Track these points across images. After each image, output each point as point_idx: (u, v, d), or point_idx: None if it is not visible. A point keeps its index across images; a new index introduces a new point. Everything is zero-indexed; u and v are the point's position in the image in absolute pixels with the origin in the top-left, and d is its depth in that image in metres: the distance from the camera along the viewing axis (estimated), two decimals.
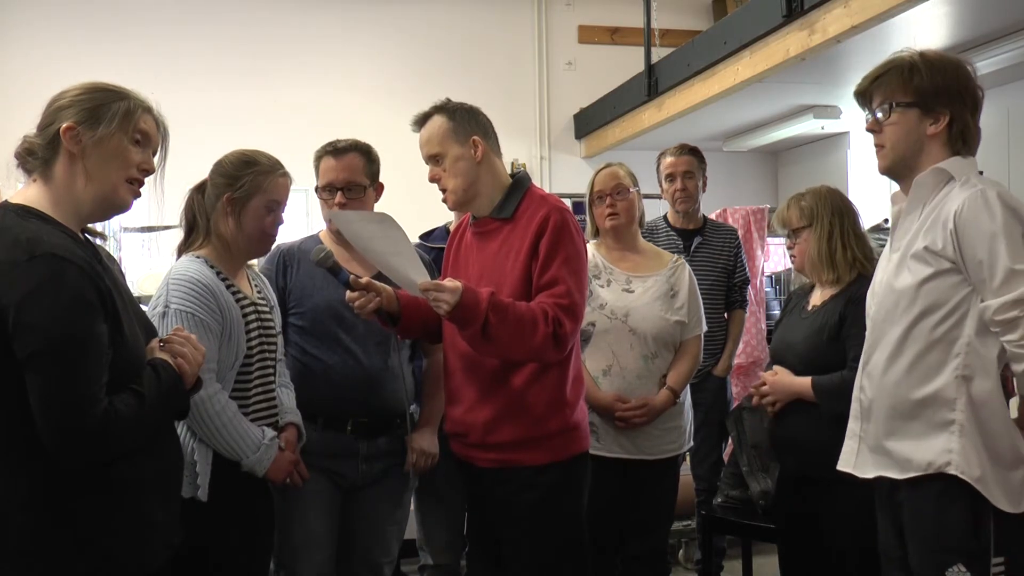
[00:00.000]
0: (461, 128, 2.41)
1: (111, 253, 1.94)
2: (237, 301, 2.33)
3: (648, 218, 3.49)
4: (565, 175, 6.52)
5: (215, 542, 2.21)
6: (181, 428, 2.19)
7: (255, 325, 2.36)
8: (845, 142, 6.22)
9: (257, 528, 2.37)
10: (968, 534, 1.99)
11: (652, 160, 4.11)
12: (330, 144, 2.75)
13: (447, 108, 2.45)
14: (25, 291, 1.58)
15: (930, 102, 2.07)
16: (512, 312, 2.23)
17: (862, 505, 2.32)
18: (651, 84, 5.34)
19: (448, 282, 2.22)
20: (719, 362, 3.93)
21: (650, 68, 5.38)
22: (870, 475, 2.18)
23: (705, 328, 3.21)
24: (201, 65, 5.98)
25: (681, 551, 4.50)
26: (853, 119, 5.45)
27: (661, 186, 4.03)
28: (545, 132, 6.69)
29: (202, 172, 2.44)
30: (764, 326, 4.74)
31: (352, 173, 2.71)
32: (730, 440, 3.38)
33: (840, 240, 2.75)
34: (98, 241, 1.86)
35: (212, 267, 2.33)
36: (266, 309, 2.44)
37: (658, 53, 5.47)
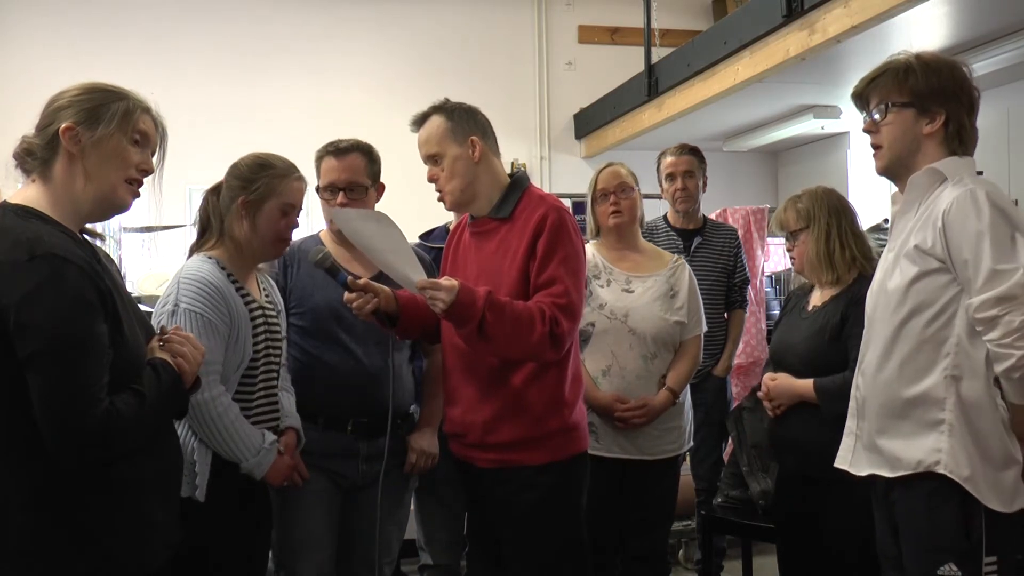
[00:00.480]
0: (459, 128, 2.41)
1: (109, 253, 1.94)
2: (246, 304, 2.33)
3: (648, 218, 3.50)
4: (565, 175, 6.53)
5: (214, 542, 2.21)
6: (182, 428, 2.20)
7: (262, 329, 2.36)
8: (845, 142, 6.23)
9: (255, 528, 2.37)
10: (959, 533, 1.99)
11: (652, 160, 4.11)
12: (332, 144, 2.75)
13: (445, 108, 2.45)
14: (25, 291, 1.58)
15: (926, 102, 2.08)
16: (509, 311, 2.23)
17: (862, 505, 2.32)
18: (651, 84, 5.34)
19: (445, 280, 2.23)
20: (719, 362, 3.93)
21: (650, 68, 5.38)
22: (864, 473, 2.19)
23: (705, 328, 3.21)
24: (201, 65, 5.98)
25: (681, 551, 4.50)
26: (853, 119, 5.45)
27: (661, 186, 4.03)
28: (545, 132, 6.69)
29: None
30: (764, 326, 4.74)
31: (354, 173, 2.71)
32: (730, 440, 3.38)
33: (838, 240, 2.75)
34: (97, 241, 1.86)
35: (223, 268, 2.34)
36: (273, 313, 2.44)
37: (658, 53, 5.47)
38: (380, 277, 2.53)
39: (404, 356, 2.80)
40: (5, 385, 1.60)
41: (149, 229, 5.03)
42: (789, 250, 2.91)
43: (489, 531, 2.48)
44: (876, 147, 2.17)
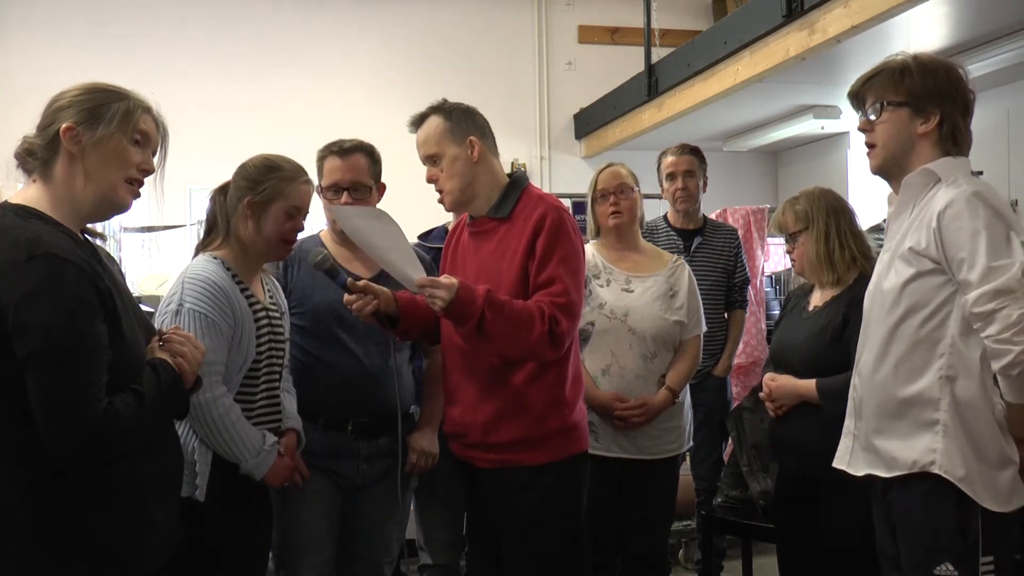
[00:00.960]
0: (458, 128, 2.41)
1: (110, 253, 1.94)
2: (250, 305, 2.34)
3: (648, 218, 3.50)
4: (565, 175, 6.52)
5: (214, 542, 2.21)
6: (182, 428, 2.20)
7: (265, 331, 2.36)
8: (845, 142, 6.22)
9: (255, 528, 2.37)
10: (956, 533, 1.99)
11: (652, 160, 4.11)
12: (335, 144, 2.75)
13: (443, 108, 2.45)
14: (25, 291, 1.58)
15: (921, 102, 2.09)
16: (508, 309, 2.23)
17: (861, 505, 2.32)
18: (651, 84, 5.33)
19: (444, 278, 2.23)
20: (719, 362, 3.93)
21: (650, 68, 5.37)
22: (861, 473, 2.19)
23: (705, 328, 3.21)
24: (201, 64, 5.97)
25: (681, 551, 4.50)
26: (853, 119, 5.38)
27: (662, 185, 4.03)
28: (545, 132, 6.69)
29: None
30: (764, 326, 4.74)
31: (357, 174, 2.71)
32: (730, 440, 3.38)
33: (837, 240, 2.75)
34: (97, 241, 1.86)
35: (228, 269, 2.34)
36: (277, 315, 2.44)
37: (658, 53, 5.46)
38: (380, 278, 2.54)
39: (404, 356, 2.80)
40: (4, 385, 1.61)
41: (150, 229, 5.03)
42: (789, 252, 2.91)
43: (489, 531, 2.48)
44: (870, 146, 2.18)
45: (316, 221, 2.56)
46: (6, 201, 1.75)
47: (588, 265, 2.95)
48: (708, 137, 6.04)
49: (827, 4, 3.64)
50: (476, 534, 2.61)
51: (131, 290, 1.94)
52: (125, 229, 4.89)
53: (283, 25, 6.18)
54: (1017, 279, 1.90)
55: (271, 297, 2.47)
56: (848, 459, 2.24)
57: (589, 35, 6.79)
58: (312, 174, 2.79)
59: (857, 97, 2.20)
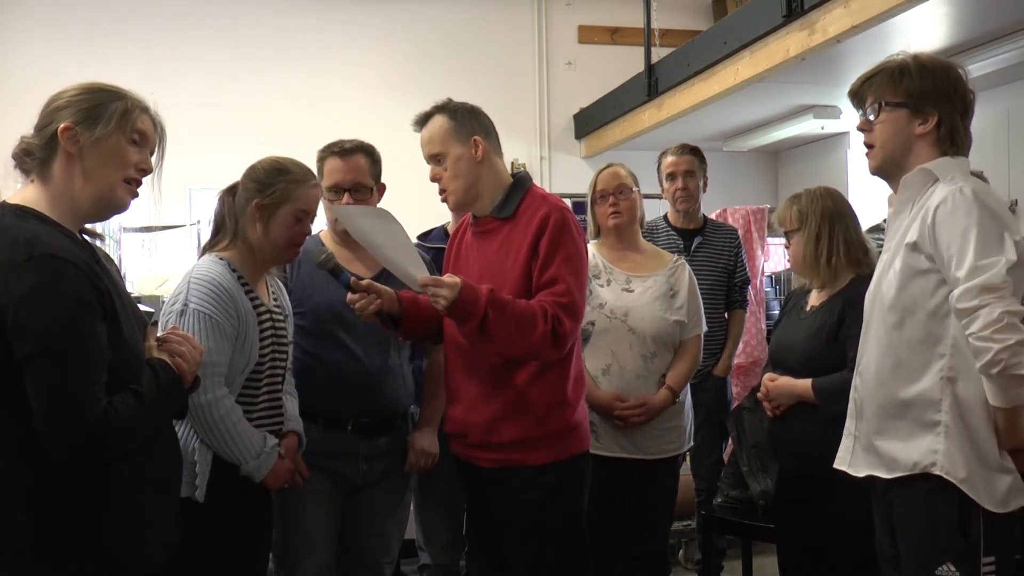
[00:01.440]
0: (463, 128, 2.41)
1: (108, 254, 1.94)
2: (254, 307, 2.33)
3: (648, 218, 3.50)
4: (565, 175, 6.52)
5: (215, 542, 2.21)
6: (183, 428, 2.20)
7: (269, 333, 2.36)
8: (845, 142, 6.22)
9: (255, 528, 2.37)
10: (957, 533, 1.99)
11: (652, 160, 4.11)
12: (336, 144, 2.75)
13: (448, 108, 2.45)
14: (24, 291, 1.58)
15: (919, 103, 2.08)
16: (511, 309, 2.23)
17: (861, 505, 2.32)
18: (651, 84, 5.33)
19: (447, 277, 2.23)
20: (719, 362, 3.92)
21: (650, 68, 5.37)
22: (862, 474, 2.19)
23: (705, 328, 3.21)
24: (201, 64, 5.98)
25: (681, 551, 4.50)
26: (853, 119, 5.39)
27: (662, 185, 4.03)
28: (545, 132, 6.69)
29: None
30: (764, 326, 4.74)
31: (359, 174, 2.71)
32: (730, 440, 3.38)
33: (827, 246, 2.72)
34: (96, 242, 1.86)
35: (234, 271, 2.34)
36: (280, 317, 2.44)
37: (658, 53, 5.47)
38: (381, 277, 2.53)
39: (404, 356, 2.80)
40: (4, 385, 1.60)
41: (148, 229, 5.02)
42: (787, 247, 2.92)
43: (489, 531, 2.48)
44: (869, 146, 2.18)
45: (318, 221, 2.56)
46: (4, 201, 1.74)
47: (589, 265, 2.94)
48: (708, 137, 6.04)
49: (827, 4, 3.64)
50: (476, 534, 2.61)
51: (131, 290, 1.93)
52: (124, 229, 4.89)
53: (283, 25, 6.18)
54: (1002, 277, 1.88)
55: (276, 300, 2.47)
56: (849, 460, 2.24)
57: (589, 35, 6.79)
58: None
59: (857, 96, 2.20)
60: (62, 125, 1.72)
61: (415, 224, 2.97)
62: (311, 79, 6.16)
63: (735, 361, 4.19)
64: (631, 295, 3.07)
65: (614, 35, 6.77)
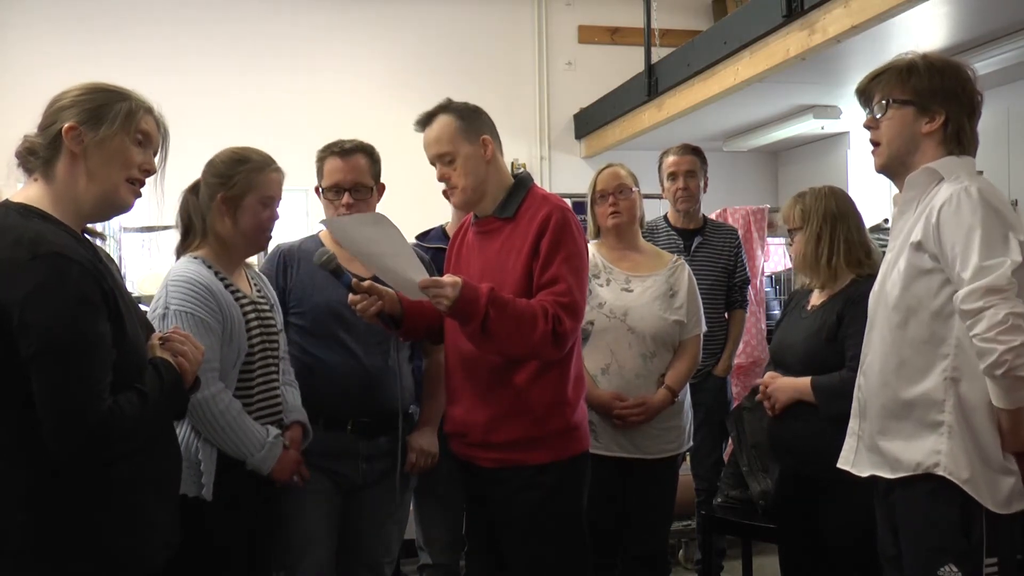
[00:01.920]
0: (471, 127, 2.41)
1: (110, 253, 1.94)
2: (237, 300, 2.33)
3: (648, 218, 3.50)
4: (565, 175, 6.52)
5: (217, 541, 2.22)
6: (184, 427, 2.20)
7: (255, 323, 2.36)
8: (845, 142, 6.22)
9: (259, 527, 2.37)
10: (959, 534, 1.99)
11: (652, 160, 4.11)
12: (335, 144, 2.75)
13: (453, 107, 2.45)
14: (28, 290, 1.58)
15: (926, 101, 2.08)
16: (512, 308, 2.23)
17: (862, 505, 2.32)
18: (651, 84, 5.33)
19: (448, 278, 2.23)
20: (719, 362, 3.93)
21: (650, 68, 5.37)
22: (865, 473, 2.19)
23: (704, 328, 3.21)
24: (201, 65, 5.97)
25: (681, 551, 4.51)
26: (853, 119, 5.45)
27: (663, 185, 4.04)
28: (545, 132, 6.69)
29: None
30: (764, 326, 4.74)
31: (359, 174, 2.71)
32: (730, 440, 3.38)
33: (827, 247, 2.72)
34: (97, 241, 1.86)
35: (210, 267, 2.34)
36: (266, 307, 2.44)
37: (658, 53, 5.46)
38: None
39: (404, 356, 2.80)
40: (7, 384, 1.61)
41: (150, 229, 5.03)
42: (790, 245, 2.92)
43: (489, 530, 2.48)
44: (875, 144, 2.18)
45: (316, 222, 2.56)
46: (7, 200, 1.75)
47: (588, 265, 2.95)
48: (708, 137, 6.04)
49: (827, 4, 3.64)
50: (476, 534, 2.61)
51: (131, 290, 1.94)
52: (125, 229, 4.89)
53: (284, 26, 6.18)
54: (1007, 278, 1.88)
55: (258, 290, 2.47)
56: (852, 459, 2.24)
57: (589, 35, 6.78)
58: (311, 173, 2.80)
59: (864, 94, 2.20)
60: (66, 125, 1.72)
61: (414, 224, 2.98)
62: (312, 79, 6.16)
63: (735, 361, 4.19)
64: (630, 295, 3.07)
65: (614, 35, 6.77)
